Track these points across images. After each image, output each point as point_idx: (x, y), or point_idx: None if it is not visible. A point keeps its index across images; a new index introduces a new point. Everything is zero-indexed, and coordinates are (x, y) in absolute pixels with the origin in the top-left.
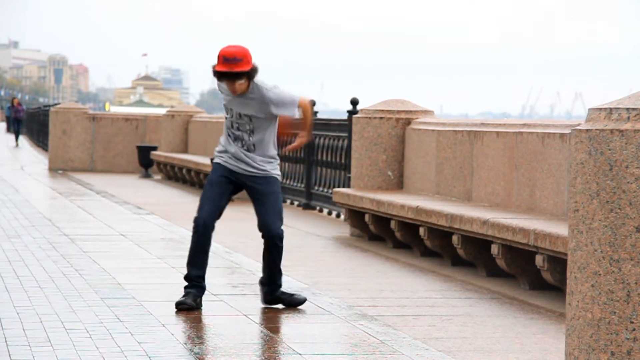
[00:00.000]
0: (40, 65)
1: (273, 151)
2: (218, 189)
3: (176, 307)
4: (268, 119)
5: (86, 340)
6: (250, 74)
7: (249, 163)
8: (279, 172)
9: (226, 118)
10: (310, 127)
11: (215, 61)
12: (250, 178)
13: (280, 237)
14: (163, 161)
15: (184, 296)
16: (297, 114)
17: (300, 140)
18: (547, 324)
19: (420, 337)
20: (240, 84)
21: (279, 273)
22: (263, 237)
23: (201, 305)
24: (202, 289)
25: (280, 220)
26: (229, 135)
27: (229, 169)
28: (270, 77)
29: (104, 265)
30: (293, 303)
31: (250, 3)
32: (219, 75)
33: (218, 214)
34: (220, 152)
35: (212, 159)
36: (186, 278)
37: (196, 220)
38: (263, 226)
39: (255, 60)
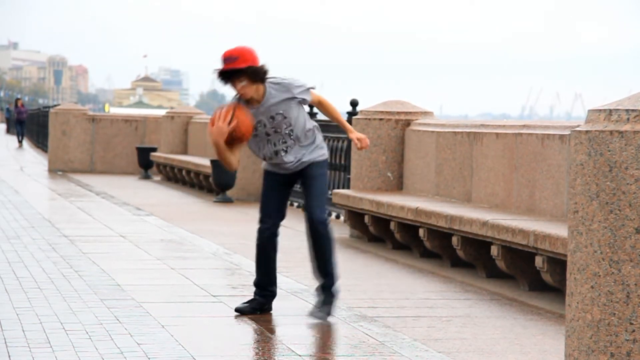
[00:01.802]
0: (39, 66)
1: (311, 136)
2: (275, 194)
3: (236, 311)
4: (297, 108)
5: (86, 341)
6: (249, 73)
7: (292, 162)
8: (323, 153)
9: (255, 136)
10: (342, 119)
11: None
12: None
13: (322, 223)
14: (163, 162)
15: (247, 302)
16: (309, 98)
17: (359, 138)
18: (546, 325)
19: (419, 338)
20: (243, 85)
21: (330, 267)
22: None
23: (270, 309)
24: (271, 295)
25: (323, 205)
26: (265, 153)
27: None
28: None
29: (103, 267)
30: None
31: (251, 4)
32: (219, 76)
33: (279, 220)
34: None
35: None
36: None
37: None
38: (306, 211)
39: (261, 61)
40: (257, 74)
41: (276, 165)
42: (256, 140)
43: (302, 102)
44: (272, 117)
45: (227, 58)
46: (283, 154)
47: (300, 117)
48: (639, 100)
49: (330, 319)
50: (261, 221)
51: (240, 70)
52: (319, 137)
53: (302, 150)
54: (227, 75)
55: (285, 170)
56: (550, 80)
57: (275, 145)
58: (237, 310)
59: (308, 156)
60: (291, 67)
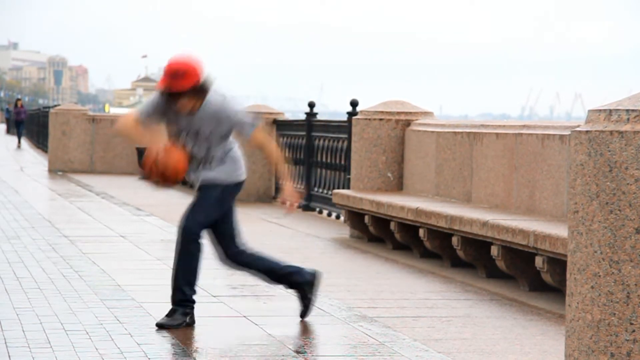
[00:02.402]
0: (39, 66)
1: (223, 160)
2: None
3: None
4: (226, 134)
5: (86, 342)
6: (196, 91)
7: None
8: (226, 178)
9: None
10: (282, 167)
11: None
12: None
13: (187, 230)
14: None
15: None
16: (247, 135)
17: (289, 196)
18: (546, 325)
19: (419, 339)
20: (185, 103)
21: (177, 280)
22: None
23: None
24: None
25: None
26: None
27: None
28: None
29: (103, 267)
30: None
31: (250, 4)
32: (162, 94)
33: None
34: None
35: None
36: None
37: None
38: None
39: (207, 71)
40: (201, 92)
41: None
42: (176, 138)
43: (239, 132)
44: (197, 132)
45: (173, 74)
46: (197, 158)
47: (222, 144)
48: (639, 100)
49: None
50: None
51: (184, 92)
52: (233, 162)
53: (206, 170)
54: (170, 95)
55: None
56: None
57: (192, 153)
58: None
59: (207, 175)
60: (291, 67)
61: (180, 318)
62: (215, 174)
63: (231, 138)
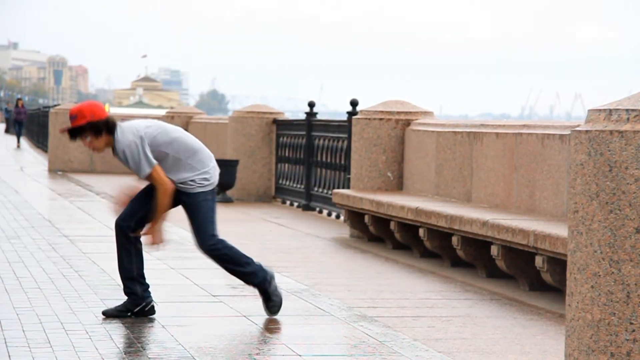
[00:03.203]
0: (39, 66)
1: (185, 174)
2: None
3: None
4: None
5: (86, 341)
6: (89, 128)
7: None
8: (200, 187)
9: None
10: (159, 218)
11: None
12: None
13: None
14: None
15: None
16: (143, 177)
17: (152, 232)
18: (546, 325)
19: (419, 338)
20: (89, 141)
21: (240, 275)
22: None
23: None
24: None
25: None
26: None
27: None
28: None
29: (103, 267)
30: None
31: (251, 3)
32: (68, 135)
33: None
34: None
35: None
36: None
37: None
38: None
39: (102, 114)
40: (97, 128)
41: None
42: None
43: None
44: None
45: (70, 117)
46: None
47: (170, 167)
48: (639, 100)
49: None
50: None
51: (80, 127)
52: (195, 180)
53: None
54: (73, 133)
55: None
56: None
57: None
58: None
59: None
60: (291, 67)
61: (273, 305)
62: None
63: (182, 157)
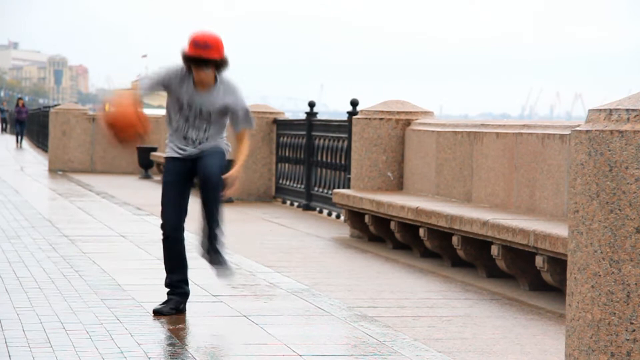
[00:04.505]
0: (40, 66)
1: (217, 140)
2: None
3: (154, 314)
4: (224, 117)
5: (86, 341)
6: (219, 64)
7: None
8: (225, 149)
9: (176, 112)
10: (242, 156)
11: (186, 46)
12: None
13: (215, 175)
14: (163, 162)
15: (164, 303)
16: (243, 110)
17: (230, 178)
18: (547, 325)
19: (420, 338)
20: (207, 73)
21: (215, 222)
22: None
23: (184, 310)
24: (185, 294)
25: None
26: (178, 135)
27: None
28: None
29: (103, 266)
30: (213, 261)
31: (251, 3)
32: (187, 60)
33: (184, 216)
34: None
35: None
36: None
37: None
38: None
39: (227, 52)
40: (224, 66)
41: (179, 140)
42: (177, 110)
43: (232, 121)
44: (200, 110)
45: (203, 45)
46: (192, 137)
47: (221, 127)
48: (639, 100)
49: (226, 265)
50: (163, 219)
51: (212, 60)
52: (225, 143)
53: (205, 143)
54: (198, 61)
55: (183, 151)
56: (550, 80)
57: (187, 129)
58: (155, 311)
59: (207, 145)
60: (291, 67)
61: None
62: (215, 143)
63: (224, 132)
